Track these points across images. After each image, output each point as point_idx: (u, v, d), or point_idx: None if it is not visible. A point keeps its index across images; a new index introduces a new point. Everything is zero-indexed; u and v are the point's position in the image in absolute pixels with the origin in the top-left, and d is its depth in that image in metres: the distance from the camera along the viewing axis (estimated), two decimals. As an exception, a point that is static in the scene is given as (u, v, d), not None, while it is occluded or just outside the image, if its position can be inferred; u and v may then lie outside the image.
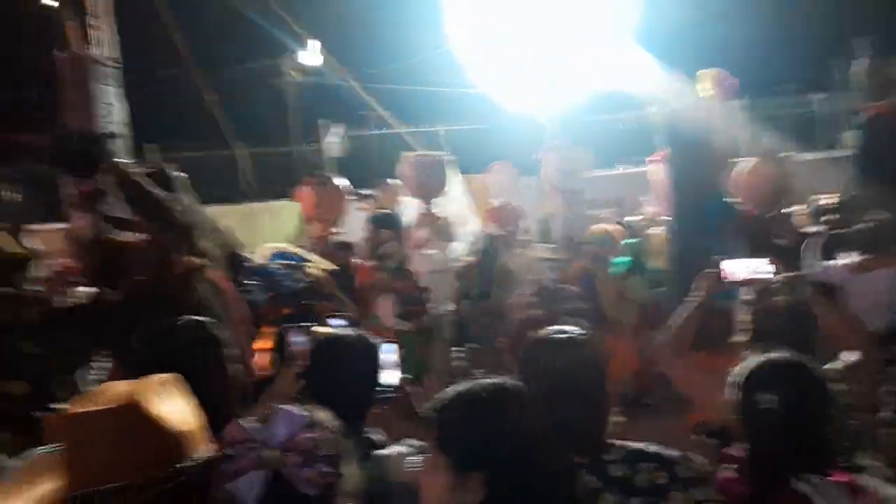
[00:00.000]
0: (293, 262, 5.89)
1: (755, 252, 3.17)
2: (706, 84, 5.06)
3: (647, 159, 5.89)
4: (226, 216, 5.63)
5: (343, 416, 1.22)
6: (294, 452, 1.07)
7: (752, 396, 1.58)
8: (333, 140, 16.74)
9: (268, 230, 9.02)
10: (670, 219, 4.69)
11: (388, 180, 7.58)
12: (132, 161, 3.97)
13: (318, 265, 5.68)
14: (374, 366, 1.88)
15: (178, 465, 1.10)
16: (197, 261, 3.02)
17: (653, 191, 5.79)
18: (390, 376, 1.93)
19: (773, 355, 1.68)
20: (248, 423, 1.13)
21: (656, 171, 5.35)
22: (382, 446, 1.73)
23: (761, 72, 19.11)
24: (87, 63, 11.98)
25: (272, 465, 1.07)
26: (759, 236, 4.11)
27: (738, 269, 2.45)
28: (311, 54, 14.49)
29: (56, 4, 11.79)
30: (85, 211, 4.80)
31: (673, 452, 1.45)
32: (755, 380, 1.62)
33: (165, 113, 14.33)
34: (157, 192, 3.00)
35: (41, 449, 1.27)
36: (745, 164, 4.60)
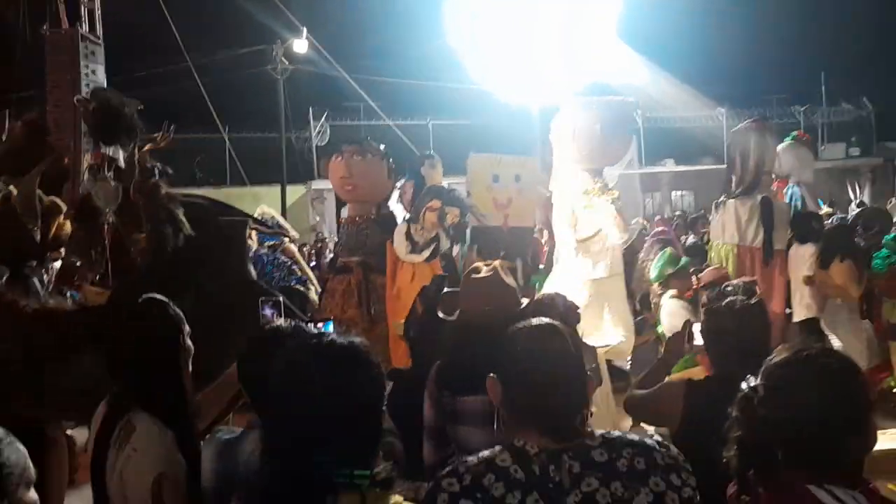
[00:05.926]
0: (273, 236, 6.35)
1: None
2: None
3: None
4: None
5: None
6: None
7: (781, 394, 1.43)
8: (319, 128, 16.71)
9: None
10: None
11: (435, 156, 6.85)
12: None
13: (291, 237, 6.72)
14: None
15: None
16: None
17: None
18: None
19: (806, 349, 1.48)
20: None
21: None
22: None
23: (747, 83, 19.38)
24: (76, 40, 11.82)
25: None
26: None
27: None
28: (301, 42, 14.43)
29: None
30: (94, 179, 4.80)
31: (650, 440, 1.46)
32: (786, 376, 1.45)
33: (154, 95, 14.20)
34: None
35: None
36: None
